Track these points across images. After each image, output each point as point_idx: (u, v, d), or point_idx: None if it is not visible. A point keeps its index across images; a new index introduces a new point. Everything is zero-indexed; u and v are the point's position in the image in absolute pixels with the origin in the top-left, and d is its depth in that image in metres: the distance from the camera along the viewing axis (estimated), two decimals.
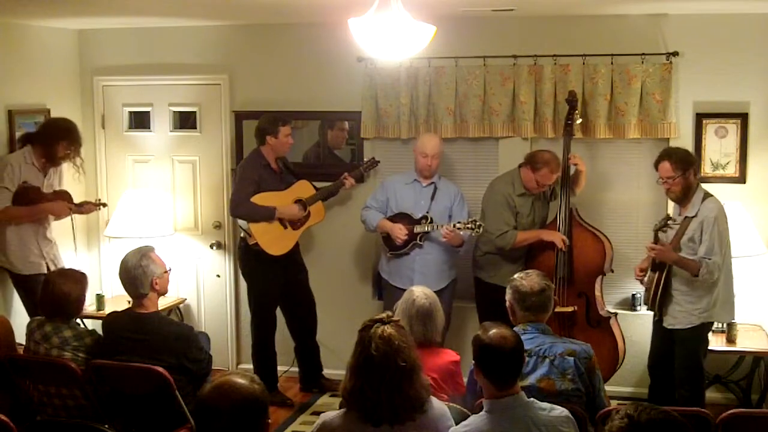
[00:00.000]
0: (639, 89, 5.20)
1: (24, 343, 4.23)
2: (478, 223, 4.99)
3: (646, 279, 4.70)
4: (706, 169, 5.24)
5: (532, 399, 3.00)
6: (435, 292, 4.01)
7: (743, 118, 5.20)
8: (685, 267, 4.47)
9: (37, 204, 5.14)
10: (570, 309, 5.01)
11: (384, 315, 3.01)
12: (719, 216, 4.47)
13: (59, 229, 5.53)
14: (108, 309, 5.32)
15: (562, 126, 5.18)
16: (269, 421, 2.54)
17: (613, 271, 5.17)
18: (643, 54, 5.18)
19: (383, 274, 5.44)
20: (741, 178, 5.24)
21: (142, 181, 6.18)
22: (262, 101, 5.86)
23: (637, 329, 5.36)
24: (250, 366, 5.59)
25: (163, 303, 5.25)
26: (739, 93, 5.19)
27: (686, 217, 4.55)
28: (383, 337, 2.87)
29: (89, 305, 5.36)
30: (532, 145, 5.44)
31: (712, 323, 4.68)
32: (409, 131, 5.60)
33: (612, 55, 5.22)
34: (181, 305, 6.12)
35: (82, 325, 4.58)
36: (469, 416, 3.11)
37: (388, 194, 5.34)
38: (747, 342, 5.03)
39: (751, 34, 5.15)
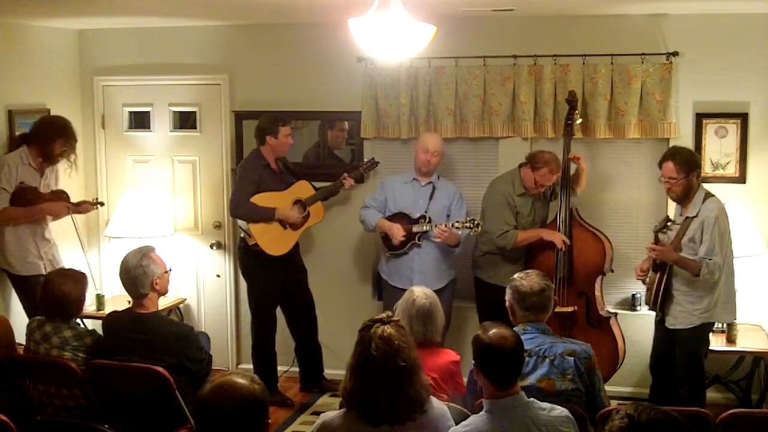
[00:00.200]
0: (639, 89, 5.20)
1: (24, 343, 4.23)
2: (476, 222, 4.98)
3: (647, 279, 4.70)
4: (706, 169, 5.23)
5: (532, 399, 3.00)
6: (434, 291, 4.01)
7: (743, 118, 5.20)
8: (685, 267, 4.47)
9: (35, 204, 5.14)
10: (570, 309, 5.01)
11: (384, 315, 3.01)
12: (720, 216, 4.47)
13: (61, 230, 5.53)
14: (108, 309, 5.32)
15: (562, 126, 5.18)
16: (269, 421, 2.54)
17: (613, 271, 5.17)
18: (643, 54, 5.18)
19: (383, 275, 5.44)
20: (741, 178, 5.24)
21: (142, 181, 6.18)
22: (262, 101, 5.86)
23: (637, 329, 5.36)
24: (250, 366, 5.59)
25: (163, 303, 5.25)
26: (739, 93, 5.19)
27: (687, 217, 4.54)
28: (383, 337, 2.87)
29: (89, 305, 5.36)
30: (532, 145, 5.44)
31: (713, 323, 4.68)
32: (409, 131, 5.60)
33: (612, 55, 5.22)
34: (181, 305, 6.12)
35: (82, 325, 4.58)
36: (469, 416, 3.11)
37: (387, 194, 5.34)
38: (747, 342, 5.03)
39: (751, 34, 5.15)
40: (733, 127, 5.23)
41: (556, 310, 4.44)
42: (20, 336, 4.38)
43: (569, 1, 4.81)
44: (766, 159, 5.23)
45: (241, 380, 2.48)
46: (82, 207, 5.43)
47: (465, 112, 5.50)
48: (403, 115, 5.58)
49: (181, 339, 3.95)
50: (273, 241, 5.29)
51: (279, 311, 5.59)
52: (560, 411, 2.98)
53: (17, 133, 5.45)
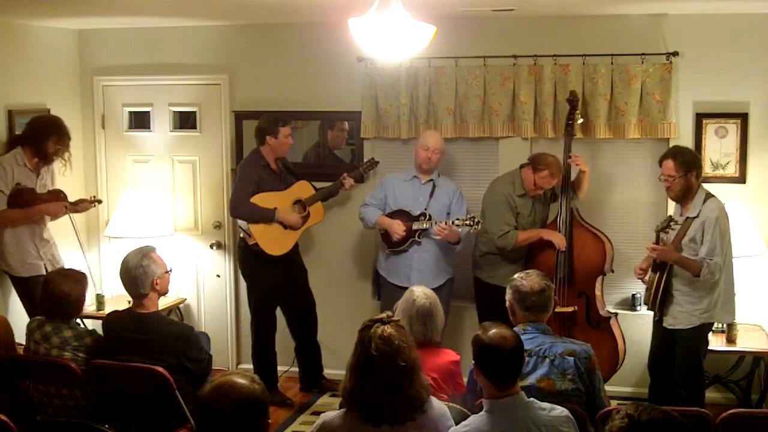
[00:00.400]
0: (639, 89, 5.20)
1: (24, 343, 4.23)
2: (476, 219, 4.98)
3: (646, 279, 4.70)
4: (707, 169, 5.23)
5: (532, 399, 3.00)
6: (432, 289, 4.02)
7: (743, 118, 5.20)
8: (686, 267, 4.47)
9: (32, 205, 5.13)
10: (570, 309, 5.01)
11: (384, 315, 3.01)
12: (721, 217, 4.47)
13: (60, 231, 5.53)
14: (108, 309, 5.32)
15: (562, 126, 5.18)
16: (269, 421, 2.54)
17: (613, 271, 5.17)
18: (643, 54, 5.18)
19: (381, 272, 5.44)
20: (741, 178, 5.25)
21: (142, 181, 6.18)
22: (262, 101, 5.86)
23: (637, 329, 5.36)
24: (250, 366, 5.59)
25: (163, 303, 5.25)
26: (739, 93, 5.19)
27: (688, 217, 4.55)
28: (383, 337, 2.87)
29: (89, 305, 5.35)
30: (532, 145, 5.44)
31: (713, 323, 4.68)
32: (409, 131, 5.60)
33: (612, 55, 5.22)
34: (181, 305, 6.12)
35: (82, 325, 4.58)
36: (469, 416, 3.11)
37: (387, 191, 5.34)
38: (747, 342, 5.03)
39: (751, 34, 5.15)
40: (733, 127, 5.23)
41: (557, 310, 4.44)
42: (20, 336, 4.38)
43: (569, 1, 4.81)
44: (766, 159, 5.23)
45: (241, 380, 2.48)
46: (79, 206, 5.42)
47: (465, 112, 5.50)
48: (403, 115, 5.58)
49: (181, 339, 3.94)
50: (273, 241, 5.29)
51: (279, 311, 5.59)
52: (560, 411, 2.98)
53: (17, 133, 5.45)
